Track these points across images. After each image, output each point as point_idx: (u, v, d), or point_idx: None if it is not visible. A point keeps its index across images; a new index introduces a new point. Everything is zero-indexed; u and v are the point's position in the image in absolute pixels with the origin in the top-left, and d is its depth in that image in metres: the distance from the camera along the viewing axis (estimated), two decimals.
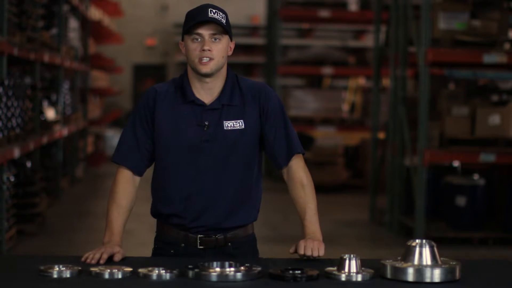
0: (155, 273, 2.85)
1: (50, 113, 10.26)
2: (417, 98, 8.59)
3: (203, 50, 3.17)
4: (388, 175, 9.58)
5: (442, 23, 8.55)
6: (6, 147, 7.16)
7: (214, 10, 3.19)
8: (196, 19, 3.18)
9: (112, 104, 20.25)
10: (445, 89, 9.48)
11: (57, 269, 2.87)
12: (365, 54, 14.58)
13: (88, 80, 15.08)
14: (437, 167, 9.39)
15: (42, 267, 2.89)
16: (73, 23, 12.51)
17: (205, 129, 3.22)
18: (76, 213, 10.21)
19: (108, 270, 2.86)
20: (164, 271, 2.86)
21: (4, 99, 7.20)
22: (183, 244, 3.27)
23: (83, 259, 3.07)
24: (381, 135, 10.60)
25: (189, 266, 2.88)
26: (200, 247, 3.26)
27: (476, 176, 8.82)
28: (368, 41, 16.57)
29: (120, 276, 2.86)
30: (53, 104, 10.81)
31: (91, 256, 3.07)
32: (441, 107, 8.81)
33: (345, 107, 14.58)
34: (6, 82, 7.30)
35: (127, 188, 3.30)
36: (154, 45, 21.32)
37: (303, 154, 3.35)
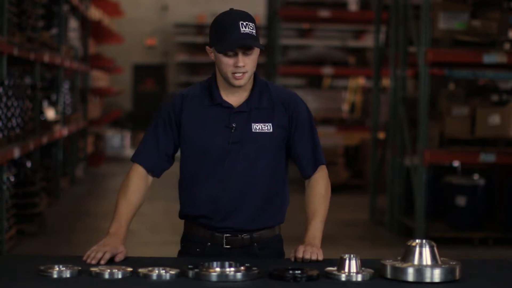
0: (155, 273, 2.85)
1: (50, 113, 10.26)
2: (417, 98, 8.59)
3: (238, 66, 3.16)
4: (388, 175, 9.58)
5: (442, 23, 8.55)
6: (6, 147, 7.16)
7: (245, 23, 3.15)
8: (229, 39, 3.13)
9: (112, 104, 20.26)
10: (445, 89, 9.48)
11: (57, 269, 2.87)
12: (365, 54, 14.58)
13: (88, 80, 15.08)
14: (437, 167, 9.39)
15: (42, 267, 2.89)
16: (73, 23, 12.51)
17: (232, 131, 3.22)
18: (76, 213, 10.21)
19: (108, 270, 2.86)
20: (164, 271, 2.86)
21: (4, 99, 7.20)
22: (209, 243, 3.28)
23: (84, 257, 3.06)
24: (381, 135, 10.59)
25: (189, 266, 2.88)
26: (226, 246, 3.26)
27: (476, 176, 8.82)
28: (368, 41, 16.57)
29: (120, 276, 2.86)
30: (53, 104, 10.81)
31: (93, 255, 3.05)
32: (441, 107, 8.81)
33: (345, 107, 14.57)
34: (6, 82, 7.30)
35: (139, 184, 3.29)
36: (154, 45, 21.33)
37: (325, 164, 3.38)
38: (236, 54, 3.16)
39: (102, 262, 3.03)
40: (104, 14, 17.17)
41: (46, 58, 9.45)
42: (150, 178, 3.33)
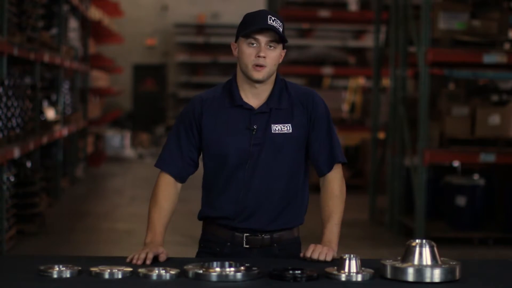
0: (155, 273, 2.85)
1: (50, 113, 10.26)
2: (417, 98, 8.59)
3: (259, 56, 3.18)
4: (388, 175, 9.58)
5: (442, 23, 8.55)
6: (6, 147, 7.16)
7: (273, 18, 3.20)
8: (255, 25, 3.18)
9: (112, 104, 20.26)
10: (445, 89, 9.48)
11: (57, 269, 2.87)
12: (365, 54, 14.58)
13: (88, 80, 15.08)
14: (437, 167, 9.38)
15: (42, 267, 2.89)
16: (73, 23, 12.51)
17: (253, 133, 3.23)
18: (76, 213, 10.21)
19: (108, 270, 2.86)
20: (164, 271, 2.86)
21: (4, 99, 7.20)
22: (229, 243, 3.28)
23: (128, 260, 3.07)
24: (381, 135, 10.59)
25: (189, 266, 2.88)
26: (246, 246, 3.27)
27: (476, 176, 8.81)
28: (368, 41, 16.58)
29: (120, 276, 2.86)
30: (53, 104, 10.81)
31: (137, 256, 3.07)
32: (441, 107, 8.81)
33: (345, 107, 14.58)
34: (6, 82, 7.30)
35: (169, 191, 3.30)
36: (154, 45, 21.33)
37: (344, 163, 3.36)
38: (259, 46, 3.18)
39: (148, 262, 3.04)
40: (104, 14, 17.17)
41: (46, 58, 9.45)
42: (179, 184, 3.34)
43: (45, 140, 9.40)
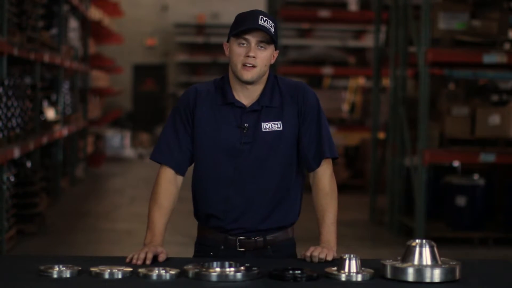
0: (155, 273, 2.85)
1: (50, 113, 10.26)
2: (417, 98, 8.59)
3: (248, 56, 3.16)
4: (388, 175, 9.58)
5: (442, 23, 8.55)
6: (6, 147, 7.16)
7: (264, 18, 3.18)
8: (245, 25, 3.16)
9: (112, 104, 20.26)
10: (445, 89, 9.48)
11: (57, 269, 2.87)
12: (365, 54, 14.58)
13: (88, 80, 15.08)
14: (437, 167, 9.38)
15: (42, 267, 2.89)
16: (73, 23, 12.51)
17: (244, 131, 3.22)
18: (76, 213, 10.21)
19: (108, 270, 2.86)
20: (164, 271, 2.86)
21: (4, 99, 7.20)
22: (222, 247, 3.27)
23: (127, 260, 3.06)
24: (381, 135, 10.59)
25: (189, 266, 2.88)
26: (240, 249, 3.25)
27: (476, 176, 8.82)
28: (368, 41, 16.57)
29: (120, 276, 2.86)
30: (53, 104, 10.81)
31: (136, 256, 3.06)
32: (441, 107, 8.81)
33: (345, 107, 14.57)
34: (6, 82, 7.30)
35: (169, 188, 3.27)
36: (154, 45, 21.33)
37: (335, 158, 3.32)
38: (249, 45, 3.17)
39: (148, 262, 3.04)
40: (104, 14, 17.18)
41: (46, 58, 9.45)
42: (179, 178, 3.31)
43: (45, 140, 9.39)
